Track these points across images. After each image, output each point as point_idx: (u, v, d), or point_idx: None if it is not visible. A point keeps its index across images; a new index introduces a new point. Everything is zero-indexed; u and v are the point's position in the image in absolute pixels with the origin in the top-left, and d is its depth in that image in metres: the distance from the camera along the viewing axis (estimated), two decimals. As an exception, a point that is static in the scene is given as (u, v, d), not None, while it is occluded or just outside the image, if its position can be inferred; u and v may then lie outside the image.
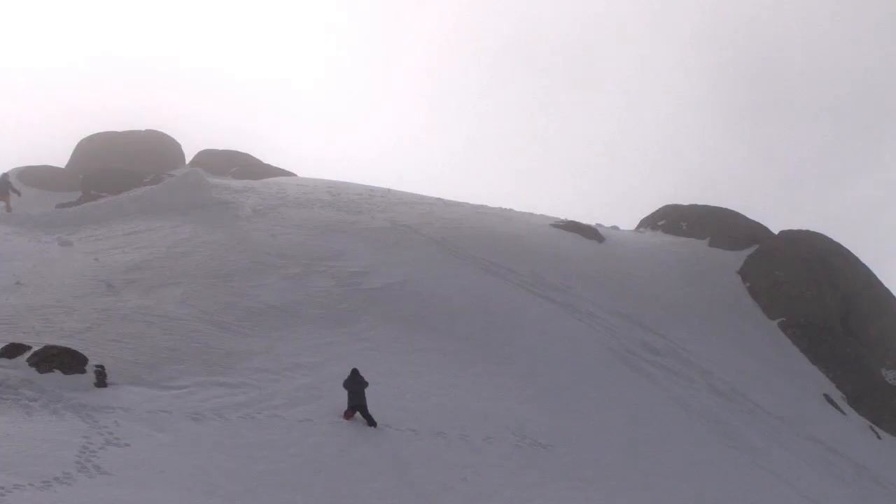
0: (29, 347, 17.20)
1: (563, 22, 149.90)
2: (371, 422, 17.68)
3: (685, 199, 43.45)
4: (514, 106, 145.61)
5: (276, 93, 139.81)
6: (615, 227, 42.03)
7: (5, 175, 34.81)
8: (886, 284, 38.18)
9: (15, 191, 34.47)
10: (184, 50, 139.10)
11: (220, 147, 50.94)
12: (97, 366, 17.19)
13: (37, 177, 43.20)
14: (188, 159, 49.56)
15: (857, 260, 38.40)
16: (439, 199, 38.90)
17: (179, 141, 50.44)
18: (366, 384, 18.13)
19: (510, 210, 40.08)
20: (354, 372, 18.35)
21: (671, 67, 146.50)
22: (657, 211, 43.85)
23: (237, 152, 50.24)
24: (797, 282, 35.97)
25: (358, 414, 17.86)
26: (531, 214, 40.03)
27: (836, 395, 31.88)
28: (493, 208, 39.70)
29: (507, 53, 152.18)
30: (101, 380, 16.91)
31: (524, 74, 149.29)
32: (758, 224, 41.38)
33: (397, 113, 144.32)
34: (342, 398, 18.03)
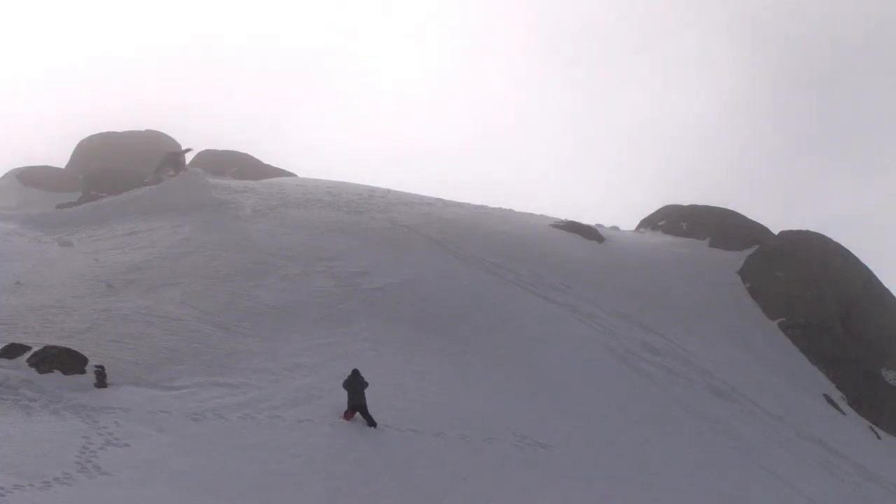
0: (29, 348, 17.19)
1: (562, 24, 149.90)
2: (371, 422, 17.67)
3: (685, 199, 43.49)
4: (513, 106, 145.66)
5: (277, 92, 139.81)
6: (615, 228, 42.03)
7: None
8: (886, 285, 38.23)
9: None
10: (184, 50, 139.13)
11: (221, 147, 51.00)
12: (97, 366, 17.17)
13: (37, 177, 43.22)
14: (188, 159, 49.55)
15: (856, 260, 38.43)
16: (439, 200, 38.90)
17: (179, 141, 50.47)
18: (366, 385, 18.11)
19: (510, 210, 40.07)
20: (355, 372, 18.34)
21: (674, 70, 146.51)
22: (657, 211, 43.85)
23: (237, 152, 50.30)
24: (797, 282, 35.99)
25: (358, 414, 17.85)
26: (531, 215, 40.03)
27: (836, 395, 31.89)
28: (493, 208, 39.70)
29: (512, 53, 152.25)
30: (101, 380, 16.90)
31: (524, 74, 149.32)
32: (758, 224, 41.40)
33: (397, 113, 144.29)
34: (342, 398, 18.02)
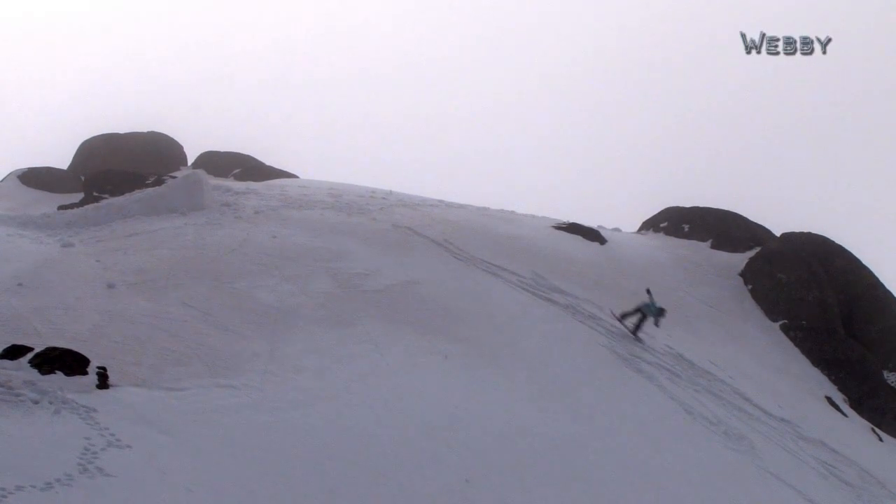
0: (31, 349, 17.19)
1: (562, 25, 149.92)
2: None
3: (687, 201, 43.47)
4: (514, 105, 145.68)
5: (279, 93, 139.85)
6: (617, 229, 41.97)
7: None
8: (889, 287, 38.15)
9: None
10: (186, 50, 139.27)
11: (223, 149, 51.00)
12: (99, 367, 17.17)
13: (38, 178, 43.25)
14: (190, 161, 49.61)
15: (859, 262, 38.37)
16: (441, 201, 38.86)
17: (182, 142, 50.52)
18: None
19: (512, 212, 40.02)
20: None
21: (671, 69, 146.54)
22: (659, 213, 43.81)
23: (239, 154, 50.31)
24: (799, 284, 35.94)
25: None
26: (533, 216, 39.99)
27: (838, 397, 31.86)
28: (495, 210, 39.65)
29: (506, 52, 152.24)
30: (103, 381, 16.90)
31: (522, 74, 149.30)
32: (760, 226, 41.37)
33: (399, 114, 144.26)
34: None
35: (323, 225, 30.56)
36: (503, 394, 20.90)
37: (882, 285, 37.97)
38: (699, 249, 39.16)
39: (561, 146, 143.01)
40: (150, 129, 50.01)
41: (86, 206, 33.73)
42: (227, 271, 24.80)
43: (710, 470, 20.77)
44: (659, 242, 40.04)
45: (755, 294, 36.17)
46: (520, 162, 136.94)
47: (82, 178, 43.45)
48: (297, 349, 20.52)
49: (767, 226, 41.55)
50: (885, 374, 34.26)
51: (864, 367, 33.75)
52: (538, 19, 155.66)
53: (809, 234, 39.31)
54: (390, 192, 38.88)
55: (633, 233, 43.03)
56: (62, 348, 17.46)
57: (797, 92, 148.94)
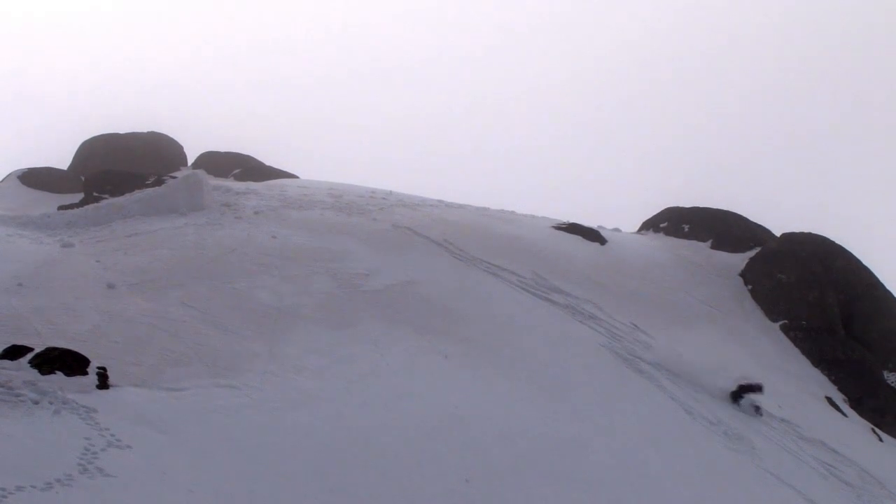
0: (31, 349, 17.20)
1: (561, 26, 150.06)
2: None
3: (687, 201, 43.39)
4: (515, 105, 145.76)
5: (279, 93, 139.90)
6: (617, 230, 41.94)
7: None
8: (889, 287, 38.14)
9: None
10: (186, 49, 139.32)
11: (223, 149, 50.95)
12: (99, 368, 17.18)
13: (39, 179, 43.20)
14: (190, 161, 49.57)
15: (859, 262, 38.33)
16: (440, 202, 38.82)
17: (182, 142, 50.46)
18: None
19: (512, 212, 40.00)
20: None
21: (671, 68, 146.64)
22: (659, 213, 43.76)
23: (240, 154, 50.23)
24: (799, 284, 35.91)
25: None
26: (533, 216, 39.96)
27: (838, 397, 31.86)
28: (495, 210, 39.63)
29: (506, 52, 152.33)
30: (104, 382, 16.91)
31: (522, 74, 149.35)
32: (760, 226, 41.34)
33: (399, 114, 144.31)
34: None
35: (323, 225, 30.55)
36: (503, 394, 20.90)
37: (882, 285, 37.94)
38: (699, 249, 39.12)
39: (561, 146, 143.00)
40: (150, 129, 49.93)
41: (86, 206, 33.71)
42: (227, 271, 24.80)
43: (710, 470, 20.78)
44: (659, 243, 40.02)
45: (755, 294, 36.16)
46: (520, 162, 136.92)
47: (82, 178, 43.42)
48: (297, 349, 20.53)
49: (767, 226, 41.51)
50: (885, 374, 34.24)
51: (864, 367, 33.74)
52: (538, 20, 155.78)
53: (809, 234, 39.24)
54: (390, 192, 38.84)
55: (633, 233, 43.00)
56: (62, 348, 17.47)
57: (797, 92, 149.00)
